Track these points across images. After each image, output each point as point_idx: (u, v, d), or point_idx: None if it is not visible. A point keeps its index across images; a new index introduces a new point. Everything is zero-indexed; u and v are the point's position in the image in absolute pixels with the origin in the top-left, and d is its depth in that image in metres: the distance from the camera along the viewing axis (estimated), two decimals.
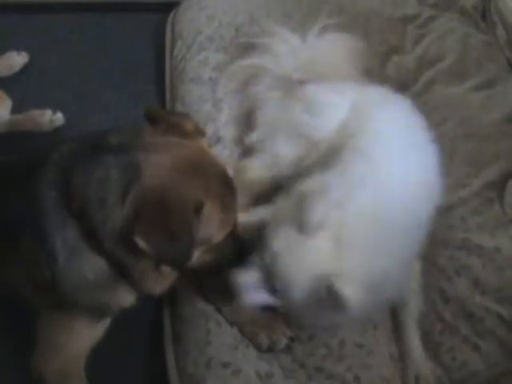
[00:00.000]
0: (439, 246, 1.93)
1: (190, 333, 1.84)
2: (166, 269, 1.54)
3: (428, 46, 2.50)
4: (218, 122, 2.29)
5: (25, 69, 2.74)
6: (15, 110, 2.54)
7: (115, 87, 2.69)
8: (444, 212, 1.94)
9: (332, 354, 1.79)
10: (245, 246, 1.72)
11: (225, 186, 1.54)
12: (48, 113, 2.54)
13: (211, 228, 1.50)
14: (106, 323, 1.77)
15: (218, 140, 2.26)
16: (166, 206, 1.38)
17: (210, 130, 2.26)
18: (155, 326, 1.96)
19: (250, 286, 1.64)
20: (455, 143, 2.14)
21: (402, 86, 2.36)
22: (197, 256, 1.54)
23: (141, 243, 1.37)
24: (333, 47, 2.24)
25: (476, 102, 2.25)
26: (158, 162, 1.44)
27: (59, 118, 2.56)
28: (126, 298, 1.70)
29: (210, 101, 2.38)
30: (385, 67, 2.46)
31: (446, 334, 1.81)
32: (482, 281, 1.84)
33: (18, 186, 1.57)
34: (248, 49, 2.48)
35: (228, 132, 2.28)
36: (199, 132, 1.61)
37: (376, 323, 1.85)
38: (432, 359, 1.79)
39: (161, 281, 1.64)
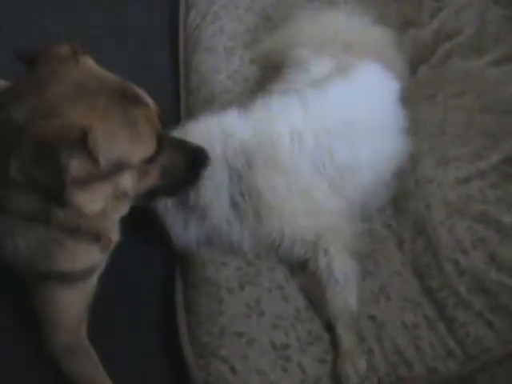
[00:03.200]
0: (456, 215, 1.90)
1: (202, 302, 1.83)
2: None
3: (445, 20, 2.45)
4: (232, 93, 2.27)
5: (38, 36, 2.70)
6: None
7: (128, 55, 2.66)
8: (462, 182, 1.94)
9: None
10: (197, 156, 1.68)
11: (119, 98, 1.46)
12: None
13: (116, 148, 1.43)
14: (90, 285, 1.77)
15: None
16: (34, 139, 1.34)
17: (224, 100, 2.24)
18: (167, 295, 1.94)
19: None
20: (472, 116, 2.10)
21: (418, 58, 2.35)
22: (129, 180, 1.51)
23: (12, 170, 1.34)
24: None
25: (493, 77, 2.20)
26: (26, 104, 1.40)
27: None
28: (83, 256, 1.68)
29: (224, 72, 2.37)
30: (401, 40, 2.42)
31: (459, 309, 1.78)
32: (498, 256, 1.81)
33: None
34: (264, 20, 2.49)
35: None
36: (77, 51, 1.54)
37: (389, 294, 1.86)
38: (447, 332, 1.77)
39: (101, 224, 1.62)
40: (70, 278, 1.69)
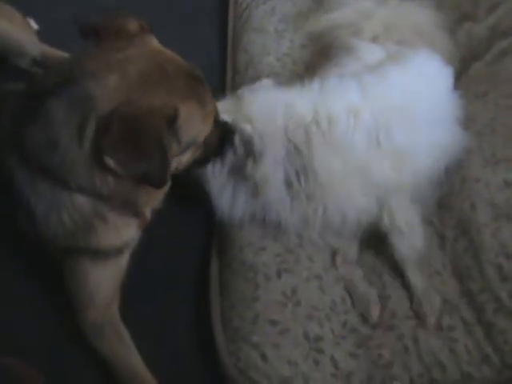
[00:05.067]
0: (502, 219, 1.85)
1: (237, 285, 1.82)
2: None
3: (502, 16, 2.38)
4: (280, 77, 2.24)
5: (86, 8, 2.68)
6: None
7: (176, 32, 2.62)
8: (511, 184, 1.88)
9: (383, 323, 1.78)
10: (228, 129, 1.73)
11: (192, 80, 1.48)
12: None
13: (194, 128, 1.47)
14: (122, 261, 1.76)
15: None
16: (130, 124, 1.33)
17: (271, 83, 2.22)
18: (202, 276, 1.93)
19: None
20: None
21: (472, 54, 2.29)
22: (188, 157, 1.55)
23: (110, 162, 1.33)
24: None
25: None
26: (109, 84, 1.38)
27: None
28: (122, 231, 1.67)
29: (273, 53, 2.34)
30: (456, 34, 2.37)
31: (499, 315, 1.74)
32: None
33: None
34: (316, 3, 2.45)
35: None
36: (145, 29, 1.53)
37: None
38: (485, 337, 1.74)
39: (149, 198, 1.62)
40: (104, 253, 1.68)
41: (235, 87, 2.32)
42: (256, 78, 2.25)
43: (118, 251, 1.72)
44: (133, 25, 1.51)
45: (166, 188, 1.66)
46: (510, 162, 1.93)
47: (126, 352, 1.75)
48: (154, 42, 1.54)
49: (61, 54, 2.42)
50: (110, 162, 1.34)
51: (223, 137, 1.71)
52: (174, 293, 1.93)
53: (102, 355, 1.75)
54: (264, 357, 1.69)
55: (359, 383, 1.70)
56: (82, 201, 1.54)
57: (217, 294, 1.86)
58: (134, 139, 1.33)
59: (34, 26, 2.47)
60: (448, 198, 1.95)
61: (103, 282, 1.73)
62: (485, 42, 2.33)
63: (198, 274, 1.96)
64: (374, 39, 2.14)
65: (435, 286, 1.84)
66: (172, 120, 1.37)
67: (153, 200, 1.65)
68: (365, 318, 1.79)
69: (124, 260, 1.77)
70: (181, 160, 1.54)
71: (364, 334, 1.76)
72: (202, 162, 1.72)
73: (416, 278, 1.81)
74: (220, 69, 2.49)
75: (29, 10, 2.43)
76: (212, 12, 2.75)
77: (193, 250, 2.00)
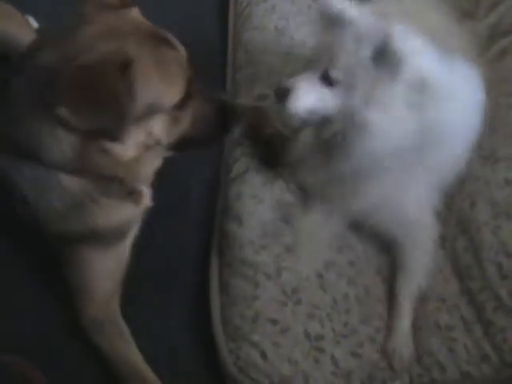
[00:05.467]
0: (502, 217, 1.84)
1: (237, 284, 1.81)
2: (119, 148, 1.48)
3: (502, 15, 2.37)
4: (281, 74, 2.22)
5: None
6: None
7: (177, 28, 2.61)
8: (511, 183, 1.88)
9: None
10: (226, 108, 1.70)
11: (156, 41, 1.47)
12: None
13: (150, 87, 1.43)
14: (123, 251, 1.77)
15: None
16: (81, 74, 1.33)
17: (272, 81, 2.20)
18: (202, 274, 1.93)
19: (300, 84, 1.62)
20: None
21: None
22: (161, 126, 1.51)
23: (63, 112, 1.32)
24: None
25: None
26: (62, 47, 1.40)
27: None
28: (118, 210, 1.67)
29: (274, 52, 2.32)
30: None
31: (498, 313, 1.74)
32: None
33: None
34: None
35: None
36: (127, 5, 1.54)
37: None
38: (484, 336, 1.74)
39: (129, 171, 1.59)
40: (104, 239, 1.68)
41: (236, 85, 2.33)
42: (256, 77, 2.25)
43: (118, 236, 1.72)
44: None
45: (153, 165, 1.67)
46: (510, 160, 1.92)
47: (126, 348, 1.75)
48: (131, 12, 1.54)
49: None
50: (63, 111, 1.32)
51: (223, 116, 1.68)
52: (173, 291, 1.94)
53: (102, 351, 1.76)
54: (264, 355, 1.69)
55: (359, 382, 1.70)
56: (67, 180, 1.54)
57: (217, 293, 1.85)
58: (87, 88, 1.32)
59: (34, 24, 2.47)
60: (448, 196, 1.95)
61: (104, 273, 1.74)
62: (485, 40, 2.32)
63: (198, 273, 1.95)
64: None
65: (437, 283, 1.83)
66: (124, 67, 1.35)
67: (135, 174, 1.62)
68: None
69: (125, 250, 1.78)
70: (151, 128, 1.50)
71: (366, 334, 1.76)
72: (197, 141, 1.66)
73: (404, 321, 1.78)
74: (221, 67, 2.47)
75: (29, 8, 2.43)
76: (213, 10, 2.73)
77: (193, 248, 2.00)
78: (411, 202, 1.78)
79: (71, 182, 1.55)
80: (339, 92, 1.56)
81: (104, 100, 1.33)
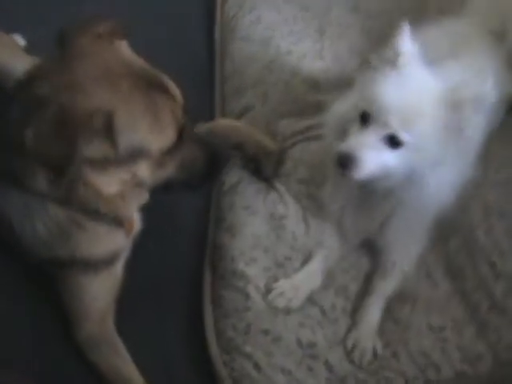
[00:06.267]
0: (494, 217, 1.85)
1: (228, 296, 1.81)
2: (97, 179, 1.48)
3: None
4: (267, 84, 2.25)
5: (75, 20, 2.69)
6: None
7: (164, 41, 2.63)
8: (502, 183, 1.89)
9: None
10: (217, 154, 1.68)
11: (147, 85, 1.45)
12: None
13: (138, 134, 1.42)
14: (114, 274, 1.76)
15: (266, 101, 2.21)
16: (61, 116, 1.33)
17: (259, 90, 2.22)
18: (195, 287, 1.93)
19: (363, 147, 1.52)
20: None
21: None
22: (146, 169, 1.50)
23: (28, 133, 1.32)
24: None
25: None
26: (60, 79, 1.39)
27: None
28: (106, 240, 1.68)
29: (260, 61, 2.34)
30: None
31: (493, 313, 1.75)
32: None
33: None
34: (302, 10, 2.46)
35: (276, 94, 2.24)
36: (116, 34, 1.52)
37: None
38: (477, 335, 1.74)
39: (111, 206, 1.59)
40: (93, 265, 1.68)
41: (223, 96, 2.35)
42: (243, 87, 2.28)
43: (108, 262, 1.72)
44: (102, 28, 1.51)
45: (138, 201, 1.69)
46: (500, 162, 1.94)
47: (123, 365, 1.75)
48: (122, 46, 1.53)
49: None
50: (28, 132, 1.33)
51: (213, 161, 1.67)
52: (167, 304, 1.92)
53: (99, 369, 1.75)
54: (257, 366, 1.69)
55: None
56: (54, 208, 1.55)
57: (209, 305, 1.85)
58: (56, 124, 1.33)
59: (21, 42, 2.48)
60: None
61: (97, 295, 1.74)
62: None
63: (192, 285, 1.95)
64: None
65: (427, 285, 1.83)
66: (104, 124, 1.35)
67: (119, 209, 1.62)
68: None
69: (117, 271, 1.77)
70: (135, 170, 1.49)
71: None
72: (184, 183, 1.66)
73: (374, 316, 1.77)
74: (209, 78, 2.49)
75: (16, 25, 2.45)
76: (200, 21, 2.74)
77: (186, 260, 2.00)
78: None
79: (58, 210, 1.56)
80: (405, 153, 1.53)
81: (63, 142, 1.34)
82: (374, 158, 1.52)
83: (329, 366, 1.70)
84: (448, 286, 1.83)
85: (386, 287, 1.80)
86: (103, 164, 1.43)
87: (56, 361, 1.82)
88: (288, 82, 2.25)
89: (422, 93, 1.53)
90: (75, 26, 1.52)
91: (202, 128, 1.64)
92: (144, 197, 1.68)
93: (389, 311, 1.79)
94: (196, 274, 1.95)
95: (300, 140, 2.08)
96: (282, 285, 1.78)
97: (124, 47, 1.54)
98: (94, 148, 1.37)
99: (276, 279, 1.81)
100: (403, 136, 1.49)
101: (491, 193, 1.88)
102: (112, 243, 1.70)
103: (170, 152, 1.51)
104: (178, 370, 1.82)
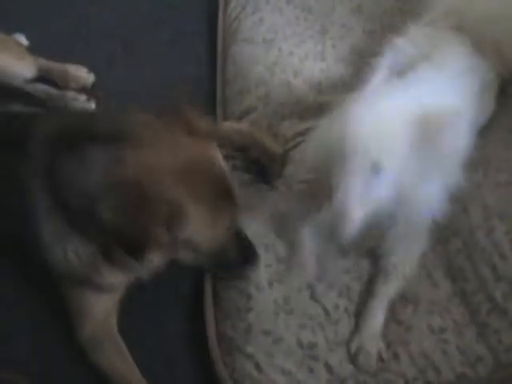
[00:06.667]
0: (495, 219, 1.84)
1: (230, 296, 1.82)
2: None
3: None
4: (269, 85, 2.25)
5: (76, 21, 2.71)
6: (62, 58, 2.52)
7: (165, 42, 2.65)
8: (503, 185, 1.87)
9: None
10: (251, 249, 1.75)
11: (219, 193, 1.52)
12: (82, 70, 2.50)
13: (195, 230, 1.48)
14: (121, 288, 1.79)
15: (268, 103, 2.22)
16: (139, 197, 1.37)
17: (261, 92, 2.23)
18: (196, 288, 1.94)
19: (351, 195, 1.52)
20: None
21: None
22: (189, 256, 1.58)
23: (99, 207, 1.38)
24: None
25: None
26: (147, 159, 1.44)
27: (89, 77, 2.51)
28: (126, 275, 1.73)
29: (262, 63, 2.34)
30: None
31: (493, 315, 1.74)
32: None
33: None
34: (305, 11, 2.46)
35: (278, 96, 2.23)
36: (209, 134, 1.58)
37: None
38: (477, 337, 1.73)
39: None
40: (106, 287, 1.73)
41: (225, 98, 2.35)
42: (245, 89, 2.28)
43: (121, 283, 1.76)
44: (203, 124, 1.56)
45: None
46: (501, 163, 1.92)
47: (125, 366, 1.77)
48: (211, 147, 1.59)
49: (58, 65, 2.45)
50: (101, 211, 1.38)
51: (244, 253, 1.74)
52: (169, 303, 1.95)
53: (100, 369, 1.77)
54: (258, 367, 1.70)
55: None
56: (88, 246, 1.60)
57: (211, 306, 1.86)
58: (132, 208, 1.37)
59: (24, 41, 2.49)
60: None
61: (103, 301, 1.77)
62: None
63: (194, 285, 1.96)
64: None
65: (428, 286, 1.82)
66: (175, 216, 1.41)
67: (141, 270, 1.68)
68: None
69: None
70: (176, 254, 1.58)
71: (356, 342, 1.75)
72: (216, 267, 1.76)
73: (377, 320, 1.76)
74: (210, 80, 2.50)
75: (19, 25, 2.46)
76: (202, 23, 2.75)
77: None
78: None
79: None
80: (388, 178, 1.55)
81: (137, 225, 1.38)
82: (362, 202, 1.53)
83: (329, 368, 1.70)
84: (448, 288, 1.82)
85: (388, 290, 1.79)
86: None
87: (55, 362, 1.84)
88: (290, 83, 2.25)
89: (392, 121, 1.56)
90: (183, 107, 1.57)
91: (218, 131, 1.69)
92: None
93: (391, 313, 1.78)
94: (197, 274, 1.95)
95: (301, 141, 2.07)
96: None
97: (214, 150, 1.60)
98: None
99: (278, 274, 1.82)
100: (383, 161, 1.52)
101: (491, 194, 1.87)
102: (130, 276, 1.75)
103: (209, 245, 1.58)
104: (178, 371, 1.84)
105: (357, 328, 1.77)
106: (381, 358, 1.72)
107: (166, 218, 1.39)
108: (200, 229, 1.49)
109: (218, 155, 1.60)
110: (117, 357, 1.77)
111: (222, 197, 1.52)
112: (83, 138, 1.53)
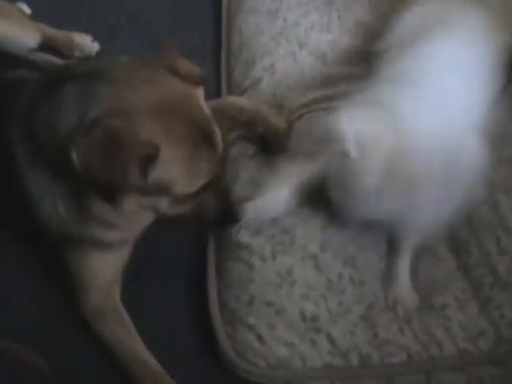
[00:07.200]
0: (499, 193, 1.85)
1: (232, 267, 1.82)
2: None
3: None
4: (274, 56, 2.23)
5: None
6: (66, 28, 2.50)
7: (169, 12, 2.62)
8: (506, 161, 1.87)
9: (380, 302, 1.77)
10: (231, 205, 1.72)
11: (199, 136, 1.46)
12: (87, 38, 2.48)
13: (170, 174, 1.43)
14: (125, 248, 1.78)
15: (273, 74, 2.21)
16: (109, 137, 1.33)
17: (266, 63, 2.21)
18: (199, 258, 1.93)
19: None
20: None
21: None
22: (165, 203, 1.54)
23: (74, 156, 1.33)
24: None
25: None
26: (122, 97, 1.39)
27: (94, 46, 2.47)
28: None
29: (267, 33, 2.32)
30: None
31: (496, 289, 1.75)
32: None
33: None
34: None
35: (284, 66, 2.22)
36: (193, 76, 1.53)
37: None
38: (479, 312, 1.74)
39: (124, 217, 1.61)
40: (104, 246, 1.70)
41: (230, 69, 2.34)
42: (250, 59, 2.27)
43: (121, 243, 1.74)
44: (184, 68, 1.51)
45: (148, 221, 1.72)
46: (504, 140, 1.91)
47: (128, 336, 1.76)
48: (197, 94, 1.54)
49: (63, 33, 2.44)
50: (74, 156, 1.34)
51: (226, 208, 1.70)
52: (172, 275, 1.94)
53: (104, 340, 1.76)
54: (261, 338, 1.69)
55: (358, 361, 1.70)
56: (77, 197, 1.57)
57: (214, 277, 1.85)
58: (106, 152, 1.33)
59: (27, 10, 2.48)
60: None
61: (104, 267, 1.75)
62: None
63: (195, 256, 1.95)
64: None
65: (428, 264, 1.82)
66: (149, 159, 1.37)
67: (129, 224, 1.68)
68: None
69: (127, 248, 1.79)
70: (154, 202, 1.54)
71: (359, 313, 1.75)
72: (196, 220, 1.71)
73: (404, 268, 1.78)
74: (214, 51, 2.48)
75: None
76: None
77: (191, 231, 2.00)
78: None
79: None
80: None
81: (112, 167, 1.34)
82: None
83: (331, 340, 1.70)
84: (451, 263, 1.82)
85: (409, 243, 1.79)
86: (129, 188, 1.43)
87: (59, 334, 1.85)
88: (295, 54, 2.24)
89: None
90: (178, 57, 1.53)
91: (209, 105, 1.65)
92: (152, 219, 1.71)
93: None
94: (200, 244, 1.95)
95: (306, 113, 2.06)
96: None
97: (198, 94, 1.54)
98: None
99: (282, 244, 1.81)
100: None
101: (495, 171, 1.84)
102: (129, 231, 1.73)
103: (192, 197, 1.54)
104: (180, 341, 1.83)
105: (386, 287, 1.78)
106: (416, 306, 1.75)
107: (138, 158, 1.35)
108: (174, 171, 1.43)
109: (201, 98, 1.54)
110: (121, 329, 1.76)
111: (200, 141, 1.47)
112: (62, 80, 1.49)
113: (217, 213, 1.67)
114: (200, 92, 1.55)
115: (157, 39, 1.56)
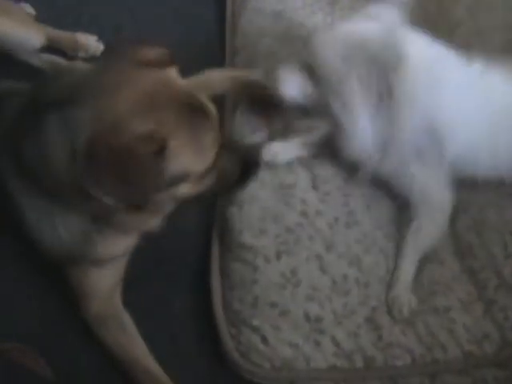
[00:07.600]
0: (505, 196, 1.86)
1: (236, 268, 1.81)
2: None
3: None
4: (278, 58, 2.22)
5: None
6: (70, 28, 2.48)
7: (174, 11, 2.62)
8: None
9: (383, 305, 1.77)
10: (250, 156, 1.72)
11: (191, 112, 1.44)
12: (91, 39, 2.46)
13: (184, 163, 1.41)
14: (123, 260, 1.77)
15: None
16: (116, 151, 1.30)
17: (270, 64, 2.20)
18: (204, 259, 1.93)
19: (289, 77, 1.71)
20: None
21: None
22: (185, 188, 1.50)
23: (94, 192, 1.32)
24: None
25: None
26: (103, 109, 1.36)
27: (99, 46, 2.45)
28: (122, 242, 1.70)
29: (270, 34, 2.31)
30: None
31: (500, 292, 1.75)
32: None
33: None
34: None
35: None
36: (164, 61, 1.49)
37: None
38: (484, 314, 1.74)
39: (142, 223, 1.62)
40: (105, 261, 1.70)
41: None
42: (254, 59, 2.25)
43: (119, 257, 1.74)
44: (153, 56, 1.47)
45: (164, 214, 1.68)
46: None
47: (130, 341, 1.75)
48: (171, 73, 1.50)
49: (67, 34, 2.42)
50: (94, 191, 1.32)
51: (246, 165, 1.68)
52: (175, 277, 1.94)
53: (106, 345, 1.76)
54: (265, 340, 1.69)
55: (362, 362, 1.69)
56: (78, 215, 1.56)
57: (217, 278, 1.85)
58: (119, 168, 1.31)
59: (31, 11, 2.47)
60: None
61: (105, 278, 1.75)
62: None
63: (200, 258, 1.95)
64: None
65: (432, 266, 1.83)
66: (159, 151, 1.34)
67: (147, 224, 1.66)
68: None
69: (126, 258, 1.79)
70: (175, 193, 1.50)
71: (364, 315, 1.75)
72: (223, 189, 1.70)
73: (407, 273, 1.78)
74: (219, 51, 2.47)
75: None
76: None
77: (194, 233, 1.99)
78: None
79: (82, 218, 1.57)
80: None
81: (132, 179, 1.33)
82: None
83: (336, 342, 1.70)
84: (456, 265, 1.83)
85: (416, 245, 1.80)
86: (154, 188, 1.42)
87: (59, 335, 1.84)
88: (299, 53, 2.22)
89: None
90: (117, 49, 1.52)
91: (194, 81, 1.62)
92: (171, 207, 1.67)
93: None
94: (205, 246, 1.95)
95: None
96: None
97: (172, 73, 1.51)
98: None
99: (287, 244, 1.80)
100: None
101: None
102: (127, 243, 1.72)
103: (209, 171, 1.52)
104: (184, 342, 1.83)
105: (389, 286, 1.78)
106: (411, 308, 1.74)
107: (151, 157, 1.32)
108: (186, 155, 1.41)
109: (177, 76, 1.51)
110: (123, 335, 1.75)
111: (194, 115, 1.44)
112: (39, 111, 1.45)
113: (240, 169, 1.66)
114: (173, 71, 1.51)
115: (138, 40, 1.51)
